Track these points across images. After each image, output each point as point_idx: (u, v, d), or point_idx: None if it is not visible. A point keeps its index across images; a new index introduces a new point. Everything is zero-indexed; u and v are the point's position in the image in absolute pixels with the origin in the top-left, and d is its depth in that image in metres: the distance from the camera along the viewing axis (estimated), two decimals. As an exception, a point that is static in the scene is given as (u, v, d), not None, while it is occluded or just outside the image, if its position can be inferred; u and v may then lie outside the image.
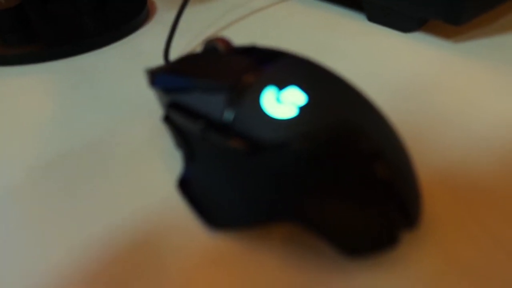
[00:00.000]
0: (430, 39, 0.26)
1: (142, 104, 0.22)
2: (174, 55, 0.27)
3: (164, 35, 0.29)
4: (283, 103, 0.13)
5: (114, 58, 0.27)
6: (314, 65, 0.15)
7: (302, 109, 0.13)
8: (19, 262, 0.15)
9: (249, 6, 0.33)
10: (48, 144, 0.20)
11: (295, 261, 0.14)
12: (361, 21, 0.29)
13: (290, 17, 0.30)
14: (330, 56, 0.25)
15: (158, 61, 0.26)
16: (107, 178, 0.18)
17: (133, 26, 0.30)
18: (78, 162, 0.19)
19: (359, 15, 0.30)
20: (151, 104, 0.22)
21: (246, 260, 0.14)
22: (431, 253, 0.14)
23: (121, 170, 0.18)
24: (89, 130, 0.21)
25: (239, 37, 0.28)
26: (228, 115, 0.14)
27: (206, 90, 0.15)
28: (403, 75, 0.23)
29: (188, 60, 0.17)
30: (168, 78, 0.17)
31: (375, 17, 0.28)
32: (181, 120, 0.16)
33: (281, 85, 0.13)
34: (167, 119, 0.17)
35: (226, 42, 0.18)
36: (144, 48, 0.28)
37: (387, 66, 0.24)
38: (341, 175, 0.13)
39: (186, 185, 0.16)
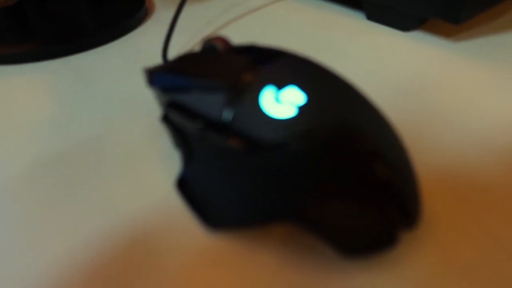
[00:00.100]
0: (430, 38, 0.26)
1: (141, 103, 0.22)
2: (172, 54, 0.26)
3: (162, 34, 0.29)
4: (282, 102, 0.13)
5: (112, 57, 0.27)
6: (313, 65, 0.15)
7: (301, 108, 0.13)
8: (17, 262, 0.15)
9: (247, 4, 0.33)
10: (46, 143, 0.20)
11: (294, 261, 0.14)
12: (360, 20, 0.29)
13: (289, 16, 0.30)
14: (329, 55, 0.25)
15: (156, 60, 0.26)
16: (105, 177, 0.18)
17: (131, 24, 0.30)
18: (76, 162, 0.19)
19: (358, 13, 0.30)
20: (149, 104, 0.22)
21: (245, 260, 0.14)
22: (431, 253, 0.14)
23: (119, 170, 0.18)
24: (87, 129, 0.21)
25: (238, 36, 0.28)
26: (227, 114, 0.14)
27: (204, 89, 0.15)
28: (402, 74, 0.23)
29: (187, 59, 0.17)
30: (167, 77, 0.17)
31: (374, 16, 0.28)
32: (179, 120, 0.15)
33: (280, 85, 0.13)
34: (166, 119, 0.17)
35: (224, 41, 0.18)
36: (142, 47, 0.28)
37: (386, 65, 0.24)
38: (340, 174, 0.13)
39: (184, 185, 0.16)
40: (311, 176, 0.13)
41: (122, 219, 0.16)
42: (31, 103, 0.23)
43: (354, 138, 0.13)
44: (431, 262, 0.14)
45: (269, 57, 0.15)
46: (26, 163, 0.19)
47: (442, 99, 0.21)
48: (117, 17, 0.30)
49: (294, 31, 0.28)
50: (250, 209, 0.14)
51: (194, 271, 0.14)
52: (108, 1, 0.32)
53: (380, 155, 0.13)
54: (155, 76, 0.17)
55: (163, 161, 0.18)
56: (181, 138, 0.16)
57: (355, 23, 0.29)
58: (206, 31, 0.29)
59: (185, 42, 0.28)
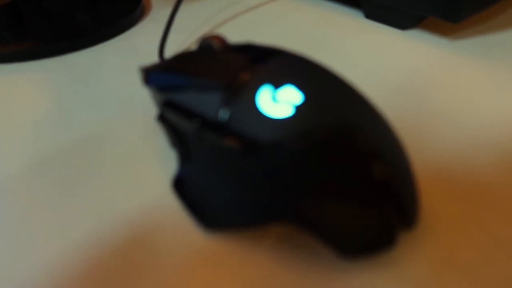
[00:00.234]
0: (428, 37, 0.26)
1: (137, 102, 0.22)
2: (169, 52, 0.26)
3: (159, 32, 0.29)
4: (279, 102, 0.13)
5: (108, 56, 0.27)
6: (310, 63, 0.14)
7: (299, 108, 0.13)
8: (15, 262, 0.15)
9: (244, 3, 0.32)
10: (42, 143, 0.20)
11: (292, 262, 0.14)
12: (358, 18, 0.29)
13: (286, 14, 0.30)
14: (327, 54, 0.25)
15: (153, 58, 0.26)
16: (101, 177, 0.18)
17: (128, 23, 0.30)
18: (72, 161, 0.19)
19: (356, 12, 0.30)
20: (145, 103, 0.22)
21: (243, 261, 0.14)
22: (430, 253, 0.14)
23: (115, 169, 0.18)
24: (83, 128, 0.20)
25: (235, 35, 0.28)
26: (224, 114, 0.13)
27: (201, 88, 0.15)
28: (400, 73, 0.23)
29: (183, 58, 0.17)
30: (163, 76, 0.17)
31: (372, 14, 0.28)
32: (176, 119, 0.15)
33: (277, 84, 0.13)
34: (162, 118, 0.17)
35: (221, 40, 0.18)
36: (139, 45, 0.27)
37: (384, 64, 0.24)
38: (338, 175, 0.12)
39: (181, 185, 0.16)
40: (308, 177, 0.12)
41: (117, 219, 0.16)
42: (27, 102, 0.23)
43: (352, 137, 0.13)
44: (431, 262, 0.14)
45: (266, 56, 0.14)
46: (21, 162, 0.19)
47: (440, 97, 0.21)
48: (114, 16, 0.30)
49: (292, 29, 0.28)
50: (247, 210, 0.14)
51: (191, 272, 0.14)
52: (105, 0, 0.32)
53: (378, 154, 0.13)
54: (151, 75, 0.17)
55: (159, 161, 0.18)
56: (177, 137, 0.16)
57: (353, 22, 0.28)
58: (203, 30, 0.29)
59: (182, 40, 0.28)
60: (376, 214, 0.13)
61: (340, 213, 0.12)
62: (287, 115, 0.13)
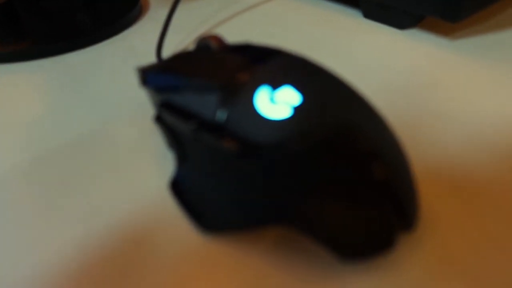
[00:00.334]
0: (427, 36, 0.26)
1: (134, 102, 0.22)
2: (166, 52, 0.26)
3: (157, 32, 0.29)
4: (277, 103, 0.13)
5: (106, 56, 0.26)
6: (309, 64, 0.14)
7: (297, 109, 0.13)
8: (13, 261, 0.14)
9: (243, 3, 0.32)
10: (38, 143, 0.20)
11: (289, 264, 0.14)
12: (357, 18, 0.29)
13: (285, 14, 0.30)
14: (326, 54, 0.25)
15: (150, 58, 0.26)
16: (98, 178, 0.18)
17: (126, 23, 0.30)
18: (68, 162, 0.18)
19: (355, 11, 0.30)
20: (143, 103, 0.22)
21: (240, 263, 0.14)
22: (429, 254, 0.14)
23: (112, 170, 0.18)
24: (79, 129, 0.20)
25: (233, 35, 0.28)
26: (221, 115, 0.13)
27: (198, 89, 0.14)
28: (399, 73, 0.23)
29: (181, 58, 0.17)
30: (160, 77, 0.17)
31: (371, 14, 0.28)
32: (173, 120, 0.15)
33: (275, 85, 0.13)
34: (159, 119, 0.17)
35: (219, 40, 0.17)
36: (136, 45, 0.27)
37: (383, 64, 0.24)
38: (337, 176, 0.12)
39: (178, 187, 0.16)
40: (307, 178, 0.12)
41: (114, 220, 0.16)
42: (23, 103, 0.23)
43: (351, 138, 0.13)
44: (430, 264, 0.14)
45: (264, 56, 0.14)
46: (18, 162, 0.19)
47: (439, 97, 0.21)
48: (112, 15, 0.30)
49: (290, 29, 0.28)
50: (244, 212, 0.13)
51: (188, 273, 0.14)
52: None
53: (378, 155, 0.13)
54: (148, 76, 0.17)
55: (156, 162, 0.18)
56: (174, 138, 0.16)
57: (351, 21, 0.28)
58: (201, 30, 0.29)
59: (180, 40, 0.28)
60: (376, 214, 0.12)
61: (339, 213, 0.12)
62: (285, 116, 0.13)
